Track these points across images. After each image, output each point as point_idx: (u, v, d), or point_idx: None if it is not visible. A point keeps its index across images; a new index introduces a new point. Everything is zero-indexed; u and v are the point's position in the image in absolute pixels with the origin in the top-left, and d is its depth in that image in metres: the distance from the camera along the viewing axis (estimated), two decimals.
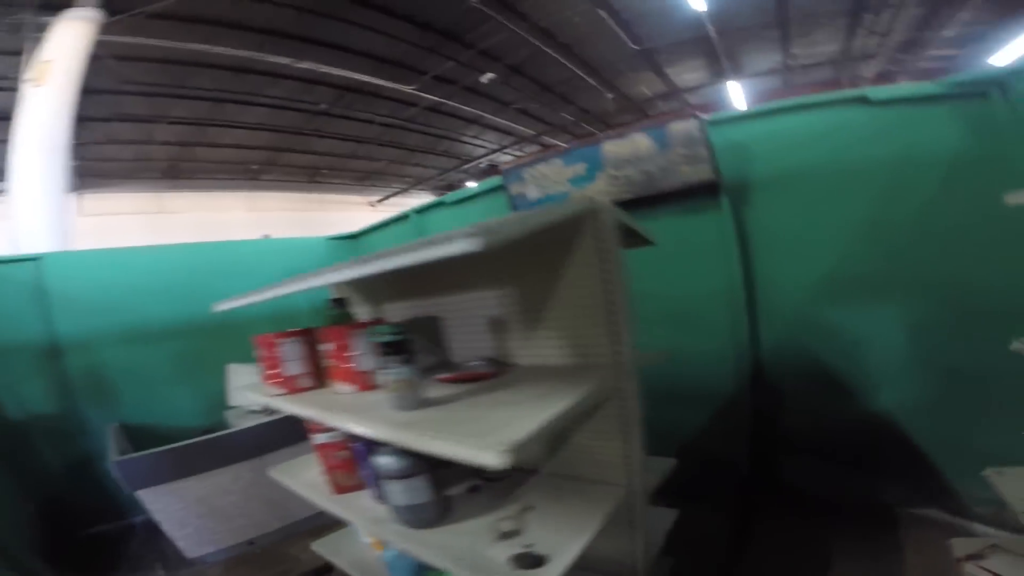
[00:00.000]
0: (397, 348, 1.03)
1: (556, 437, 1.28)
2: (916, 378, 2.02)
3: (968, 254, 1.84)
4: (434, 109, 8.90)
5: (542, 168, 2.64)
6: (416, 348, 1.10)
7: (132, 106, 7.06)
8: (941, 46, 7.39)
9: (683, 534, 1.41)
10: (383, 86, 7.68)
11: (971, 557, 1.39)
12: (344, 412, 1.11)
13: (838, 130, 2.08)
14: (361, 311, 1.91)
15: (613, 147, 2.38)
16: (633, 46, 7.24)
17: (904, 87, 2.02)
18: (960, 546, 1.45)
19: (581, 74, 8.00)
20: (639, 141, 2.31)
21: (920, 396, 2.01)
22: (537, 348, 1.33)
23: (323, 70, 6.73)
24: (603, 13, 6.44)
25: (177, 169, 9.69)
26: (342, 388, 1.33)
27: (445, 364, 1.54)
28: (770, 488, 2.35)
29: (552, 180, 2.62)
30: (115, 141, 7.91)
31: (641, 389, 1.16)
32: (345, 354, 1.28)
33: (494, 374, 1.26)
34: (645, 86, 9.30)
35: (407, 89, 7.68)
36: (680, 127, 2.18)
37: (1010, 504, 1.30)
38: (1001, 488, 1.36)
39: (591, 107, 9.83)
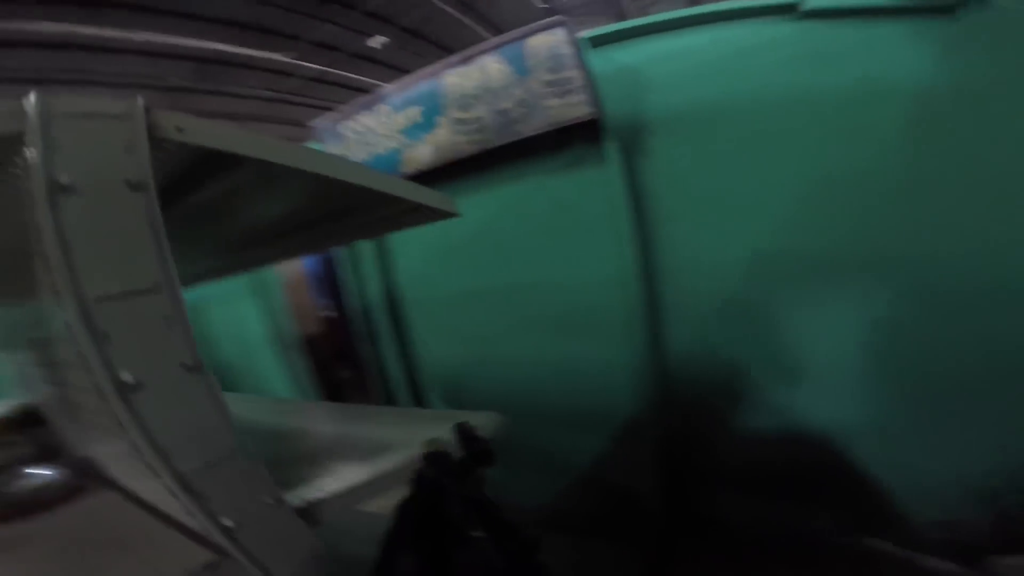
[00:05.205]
0: None
1: None
2: (876, 388, 1.45)
3: (953, 220, 1.30)
4: (319, 79, 7.73)
5: (365, 119, 1.82)
6: None
7: None
8: None
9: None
10: (253, 56, 6.46)
11: None
12: None
13: (762, 50, 1.46)
14: None
15: (457, 78, 1.60)
16: (540, 4, 6.49)
17: None
18: None
19: (488, 36, 7.16)
20: (490, 66, 1.55)
21: (878, 409, 1.45)
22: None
23: (167, 41, 5.43)
24: None
25: None
26: None
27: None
28: (689, 524, 1.79)
29: (380, 134, 1.81)
30: None
31: None
32: None
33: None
34: None
35: (282, 58, 6.50)
36: (541, 41, 1.43)
37: None
38: None
39: None
